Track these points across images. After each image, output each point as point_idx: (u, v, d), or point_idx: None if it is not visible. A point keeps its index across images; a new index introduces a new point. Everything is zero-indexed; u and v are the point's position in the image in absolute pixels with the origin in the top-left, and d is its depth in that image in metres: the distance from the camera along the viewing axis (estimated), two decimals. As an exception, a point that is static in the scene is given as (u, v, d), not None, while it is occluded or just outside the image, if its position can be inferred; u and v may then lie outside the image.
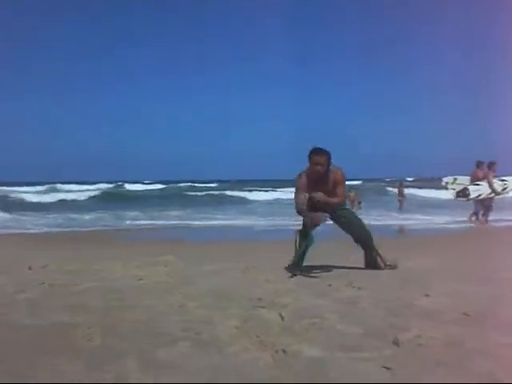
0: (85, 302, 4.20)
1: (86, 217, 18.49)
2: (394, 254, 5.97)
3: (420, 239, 11.02)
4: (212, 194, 35.79)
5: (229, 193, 35.77)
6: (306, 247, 5.71)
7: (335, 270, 5.71)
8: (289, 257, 5.65)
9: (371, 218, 13.64)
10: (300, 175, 5.81)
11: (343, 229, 5.91)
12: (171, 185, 52.16)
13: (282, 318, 3.57)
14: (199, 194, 36.84)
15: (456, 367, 2.62)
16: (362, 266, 5.83)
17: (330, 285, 4.78)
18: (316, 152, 5.70)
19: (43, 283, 4.98)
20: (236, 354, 2.87)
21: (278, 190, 36.27)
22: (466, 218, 14.57)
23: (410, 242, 10.30)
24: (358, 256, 5.88)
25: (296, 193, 5.76)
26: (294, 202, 5.75)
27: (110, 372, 2.62)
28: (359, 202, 23.18)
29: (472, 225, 14.02)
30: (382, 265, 5.82)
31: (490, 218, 14.38)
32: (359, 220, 6.01)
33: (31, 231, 13.69)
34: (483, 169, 14.37)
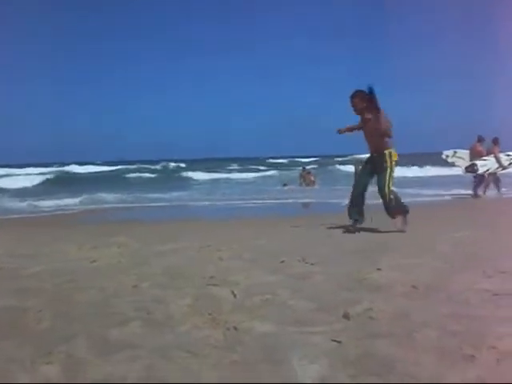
0: (35, 285, 4.13)
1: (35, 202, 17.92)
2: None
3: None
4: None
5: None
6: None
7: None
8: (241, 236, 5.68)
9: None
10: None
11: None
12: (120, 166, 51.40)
13: (235, 296, 3.59)
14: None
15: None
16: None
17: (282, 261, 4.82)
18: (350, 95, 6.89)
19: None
20: (188, 332, 2.88)
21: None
22: (469, 192, 15.14)
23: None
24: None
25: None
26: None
27: (60, 354, 2.59)
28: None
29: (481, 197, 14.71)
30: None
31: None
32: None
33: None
34: (483, 144, 14.93)
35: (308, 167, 30.58)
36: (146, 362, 2.46)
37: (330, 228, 7.20)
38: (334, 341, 2.65)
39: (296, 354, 2.49)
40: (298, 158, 67.71)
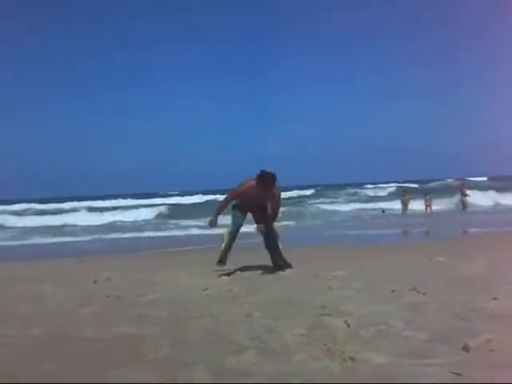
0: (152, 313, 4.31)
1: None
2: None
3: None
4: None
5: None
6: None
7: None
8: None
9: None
10: (249, 183, 6.70)
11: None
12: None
13: (348, 326, 3.58)
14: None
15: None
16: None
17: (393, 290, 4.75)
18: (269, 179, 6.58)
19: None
20: (302, 362, 2.91)
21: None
22: None
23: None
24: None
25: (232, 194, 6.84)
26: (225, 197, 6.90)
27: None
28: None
29: None
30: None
31: None
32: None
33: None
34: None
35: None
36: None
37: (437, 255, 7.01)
38: (454, 373, 2.60)
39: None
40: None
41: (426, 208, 23.76)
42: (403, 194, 25.39)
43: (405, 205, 24.02)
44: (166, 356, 3.17)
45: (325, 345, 3.17)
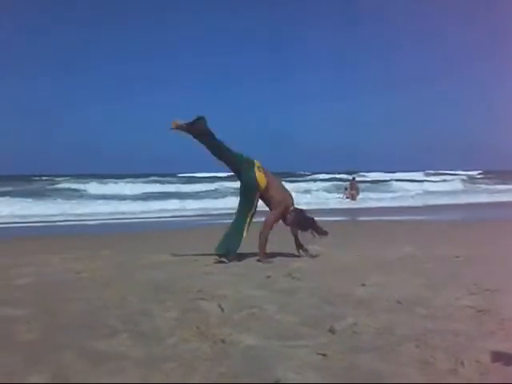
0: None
1: None
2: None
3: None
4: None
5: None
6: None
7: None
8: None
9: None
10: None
11: None
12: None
13: (222, 310, 3.63)
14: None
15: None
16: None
17: (269, 276, 4.86)
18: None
19: None
20: (175, 345, 2.91)
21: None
22: None
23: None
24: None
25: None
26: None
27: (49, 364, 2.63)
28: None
29: None
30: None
31: None
32: None
33: None
34: None
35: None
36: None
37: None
38: (320, 354, 2.70)
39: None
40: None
41: (351, 196, 24.29)
42: (351, 182, 25.64)
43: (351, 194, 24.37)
44: (36, 339, 3.08)
45: (197, 327, 3.19)
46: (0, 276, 5.10)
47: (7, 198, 21.82)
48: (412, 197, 26.76)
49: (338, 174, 54.39)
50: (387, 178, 46.14)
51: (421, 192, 30.97)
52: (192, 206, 19.92)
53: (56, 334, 3.15)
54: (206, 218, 15.12)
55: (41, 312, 3.67)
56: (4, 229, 12.84)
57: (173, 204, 20.29)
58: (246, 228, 6.03)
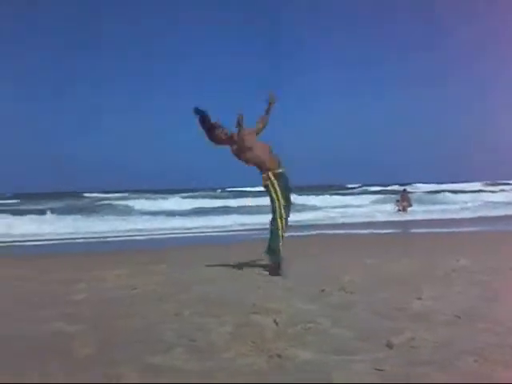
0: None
1: None
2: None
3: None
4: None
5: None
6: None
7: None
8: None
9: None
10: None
11: None
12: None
13: (277, 324, 3.62)
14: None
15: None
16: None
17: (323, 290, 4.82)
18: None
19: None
20: (232, 360, 2.92)
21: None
22: None
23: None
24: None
25: None
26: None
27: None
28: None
29: None
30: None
31: None
32: None
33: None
34: None
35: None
36: None
37: (368, 256, 7.17)
38: (377, 369, 2.67)
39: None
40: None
41: (403, 208, 24.08)
42: (402, 194, 25.52)
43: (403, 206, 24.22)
44: (93, 353, 3.12)
45: (253, 342, 3.18)
46: (56, 292, 5.20)
47: (61, 215, 22.44)
48: (467, 208, 26.23)
49: (389, 186, 53.91)
50: (440, 189, 45.31)
51: (478, 203, 30.30)
52: (241, 220, 19.92)
53: (112, 349, 3.18)
54: (255, 231, 15.14)
55: (96, 327, 3.73)
56: (57, 245, 13.19)
57: (223, 219, 20.37)
58: (279, 221, 5.92)
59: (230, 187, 55.21)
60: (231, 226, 17.99)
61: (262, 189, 6.06)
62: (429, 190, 46.40)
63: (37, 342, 3.36)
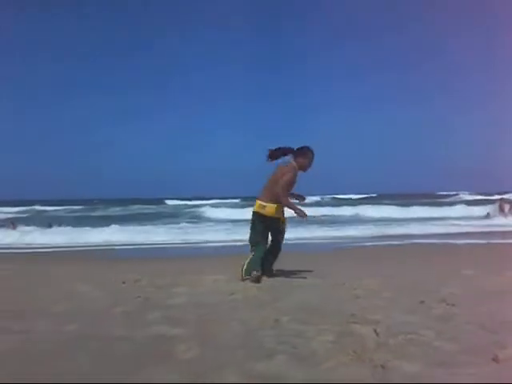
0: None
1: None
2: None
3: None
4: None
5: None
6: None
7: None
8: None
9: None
10: (295, 169, 6.15)
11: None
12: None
13: (377, 334, 3.60)
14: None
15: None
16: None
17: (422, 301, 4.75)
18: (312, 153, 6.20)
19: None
20: (334, 369, 2.93)
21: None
22: None
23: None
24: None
25: (288, 184, 6.12)
26: (282, 190, 6.10)
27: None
28: None
29: None
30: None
31: None
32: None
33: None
34: None
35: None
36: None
37: (465, 267, 6.96)
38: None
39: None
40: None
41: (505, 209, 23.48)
42: (500, 202, 25.08)
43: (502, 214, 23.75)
44: (196, 357, 3.22)
45: (354, 352, 3.19)
46: (157, 296, 5.39)
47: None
48: None
49: (482, 194, 51.96)
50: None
51: None
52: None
53: (214, 354, 3.26)
54: (345, 241, 15.01)
55: (197, 331, 3.83)
56: (152, 249, 13.64)
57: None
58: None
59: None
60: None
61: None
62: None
63: (140, 346, 3.50)
